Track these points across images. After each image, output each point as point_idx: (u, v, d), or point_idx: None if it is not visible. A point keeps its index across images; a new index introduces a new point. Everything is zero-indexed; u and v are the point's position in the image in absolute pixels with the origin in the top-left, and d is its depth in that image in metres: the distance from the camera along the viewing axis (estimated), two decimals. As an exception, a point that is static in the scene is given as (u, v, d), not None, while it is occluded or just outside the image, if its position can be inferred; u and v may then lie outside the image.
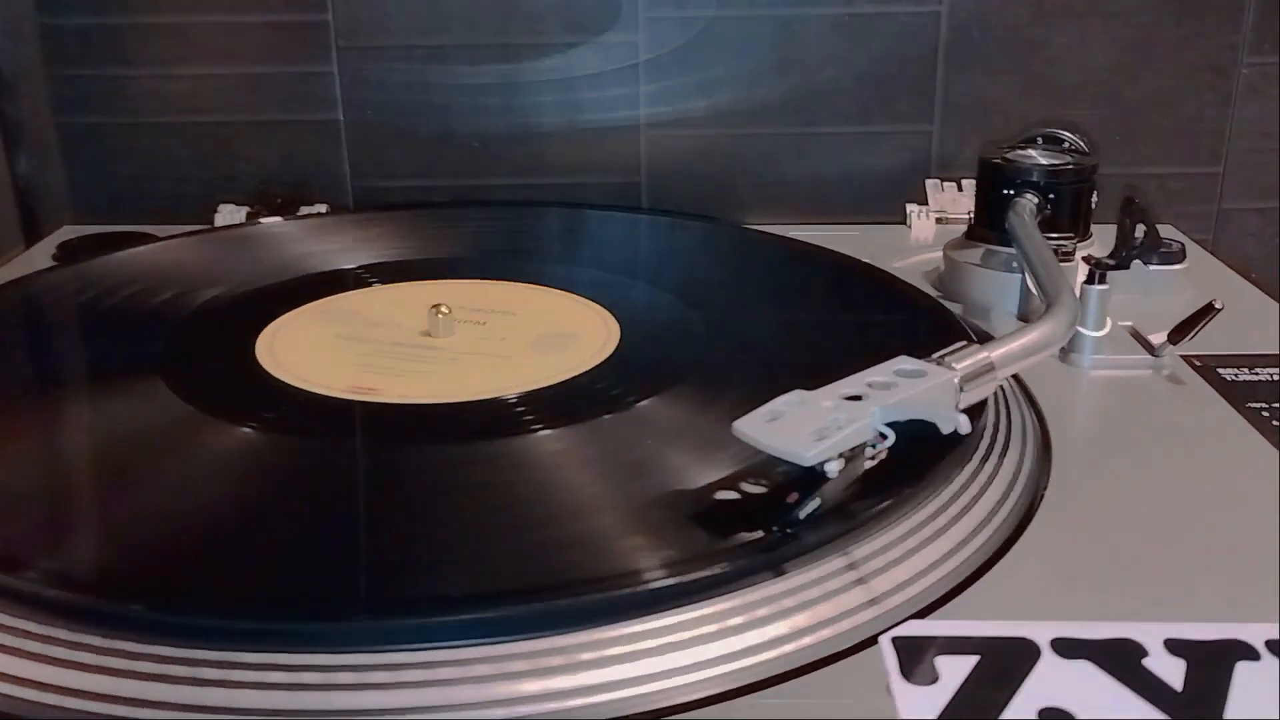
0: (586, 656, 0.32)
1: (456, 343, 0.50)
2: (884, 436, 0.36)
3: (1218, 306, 0.49)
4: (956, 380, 0.38)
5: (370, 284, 0.57)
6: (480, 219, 0.67)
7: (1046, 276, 0.47)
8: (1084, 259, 0.53)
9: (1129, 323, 0.55)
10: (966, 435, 0.36)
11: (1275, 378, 0.51)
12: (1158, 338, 0.53)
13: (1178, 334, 0.51)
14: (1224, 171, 0.75)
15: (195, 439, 0.42)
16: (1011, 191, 0.57)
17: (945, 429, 0.37)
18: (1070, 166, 0.57)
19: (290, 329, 0.51)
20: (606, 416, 0.43)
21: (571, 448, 0.41)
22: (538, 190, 0.75)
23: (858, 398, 0.37)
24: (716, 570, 0.34)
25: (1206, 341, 0.51)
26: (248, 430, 0.42)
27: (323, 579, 0.34)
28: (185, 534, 0.37)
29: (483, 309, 0.53)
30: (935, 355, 0.39)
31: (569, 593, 0.33)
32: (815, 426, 0.35)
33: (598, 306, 0.53)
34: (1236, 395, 0.49)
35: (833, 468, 0.35)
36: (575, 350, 0.48)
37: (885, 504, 0.37)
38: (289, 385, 0.46)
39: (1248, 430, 0.46)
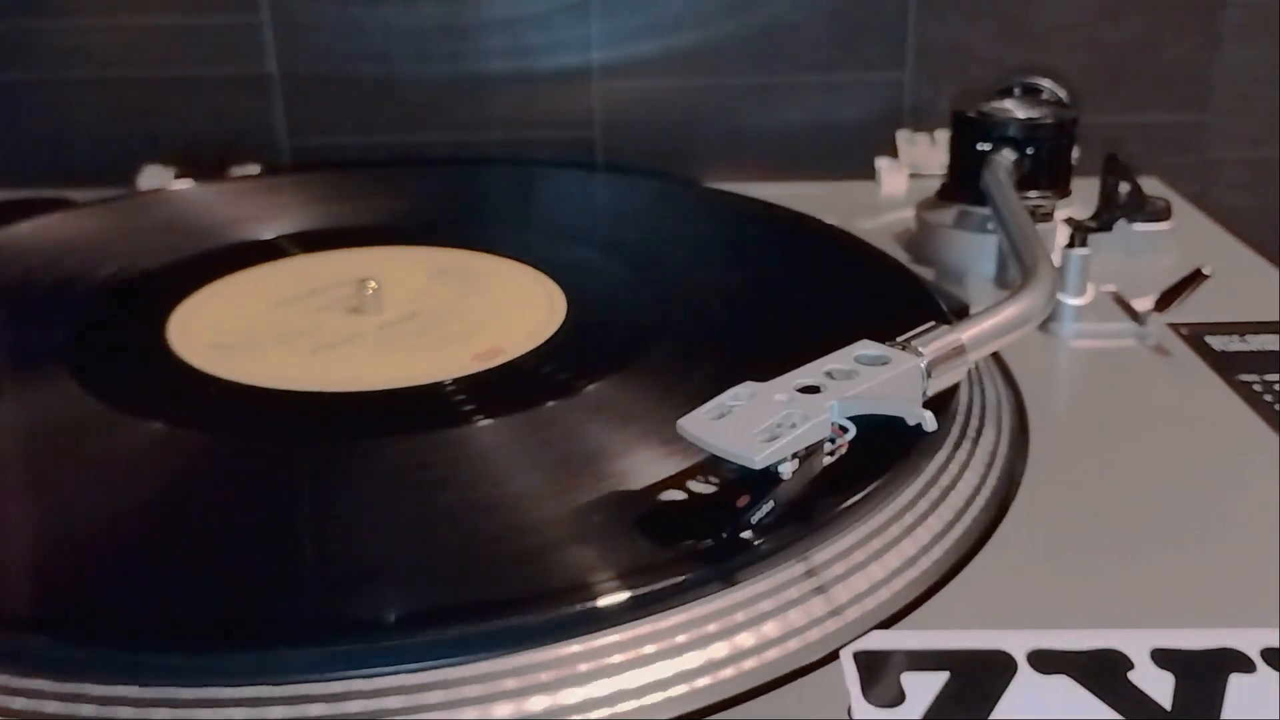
0: (511, 684, 0.29)
1: (388, 320, 0.46)
2: (844, 430, 0.33)
3: (1206, 273, 0.46)
4: (923, 366, 0.35)
5: (295, 254, 0.53)
6: (423, 179, 0.63)
7: (1023, 244, 0.43)
8: (1065, 221, 0.50)
9: (1112, 287, 0.52)
10: (924, 425, 0.32)
11: (1269, 348, 0.47)
12: (1143, 304, 0.50)
13: (1164, 301, 0.47)
14: (1211, 119, 0.72)
15: (100, 437, 0.39)
16: (987, 147, 0.53)
17: (911, 422, 0.33)
18: (1049, 119, 0.53)
19: (209, 306, 0.47)
20: (549, 404, 0.39)
21: (509, 441, 0.38)
22: (486, 146, 0.71)
23: (815, 388, 0.33)
24: (660, 585, 0.30)
25: (1195, 306, 0.48)
26: (156, 426, 0.39)
27: (241, 603, 0.31)
28: (88, 550, 0.33)
29: (420, 280, 0.49)
30: (901, 339, 0.36)
31: (498, 614, 0.30)
32: (766, 424, 0.32)
33: (544, 277, 0.50)
34: (1227, 367, 0.46)
35: (786, 469, 0.31)
36: (518, 328, 0.45)
37: (846, 504, 0.34)
38: (202, 373, 0.42)
39: (1240, 408, 0.43)
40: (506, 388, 0.41)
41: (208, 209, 0.59)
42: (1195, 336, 0.48)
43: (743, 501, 0.32)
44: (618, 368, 0.41)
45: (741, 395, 0.33)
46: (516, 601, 0.30)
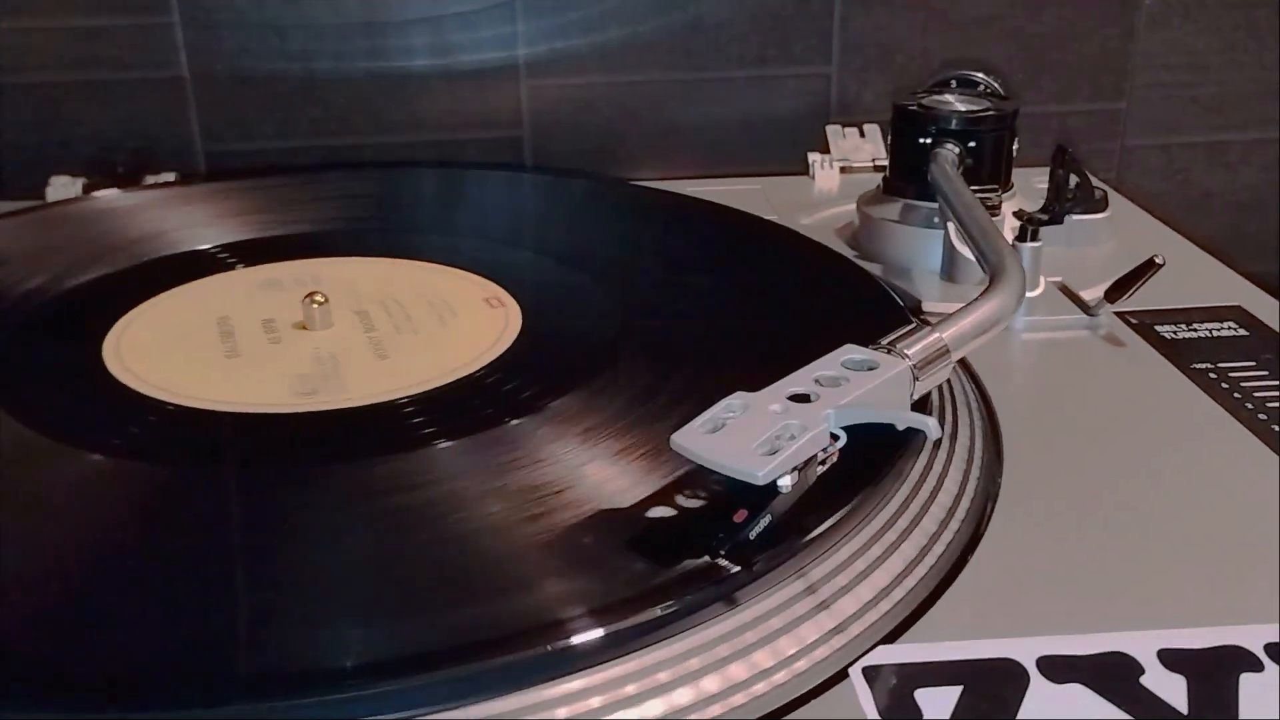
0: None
1: (336, 335, 0.44)
2: (835, 438, 0.32)
3: (1159, 262, 0.46)
4: (909, 368, 0.34)
5: (233, 266, 0.51)
6: (351, 184, 0.61)
7: (985, 239, 0.43)
8: (1015, 214, 0.50)
9: (1057, 278, 0.52)
10: (928, 434, 0.32)
11: (1218, 334, 0.48)
12: (1091, 294, 0.50)
13: (1116, 292, 0.48)
14: (1128, 107, 0.73)
15: (31, 468, 0.36)
16: (929, 141, 0.53)
17: (900, 426, 0.33)
18: (990, 112, 0.53)
19: (145, 325, 0.45)
20: (513, 422, 0.38)
21: (476, 461, 0.36)
22: (412, 148, 0.69)
23: (805, 397, 0.33)
24: (659, 613, 0.29)
25: (1139, 295, 0.48)
26: (97, 458, 0.36)
27: (179, 655, 0.29)
28: (9, 598, 0.31)
29: (363, 292, 0.47)
30: (884, 341, 0.35)
31: (481, 655, 0.28)
32: (764, 436, 0.31)
33: (492, 284, 0.48)
34: (1179, 356, 0.46)
35: (786, 482, 0.31)
36: (472, 339, 0.43)
37: (842, 512, 0.33)
38: (145, 397, 0.40)
39: (1200, 397, 0.43)
40: (467, 405, 0.39)
41: (127, 220, 0.56)
42: (1145, 326, 0.49)
43: (740, 516, 0.31)
44: (584, 379, 0.40)
45: (735, 407, 0.32)
46: (503, 641, 0.28)
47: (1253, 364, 0.46)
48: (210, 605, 0.30)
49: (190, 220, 0.55)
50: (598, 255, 0.51)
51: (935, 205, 0.53)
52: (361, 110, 0.68)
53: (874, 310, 0.46)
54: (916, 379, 0.34)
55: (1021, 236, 0.48)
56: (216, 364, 0.42)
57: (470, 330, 0.44)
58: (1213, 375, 0.45)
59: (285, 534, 0.33)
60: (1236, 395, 0.43)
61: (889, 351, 0.35)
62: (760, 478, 0.30)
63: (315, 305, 0.43)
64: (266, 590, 0.31)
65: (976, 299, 0.38)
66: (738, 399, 0.32)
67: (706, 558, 0.31)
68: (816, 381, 0.33)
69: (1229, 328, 0.49)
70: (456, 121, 0.69)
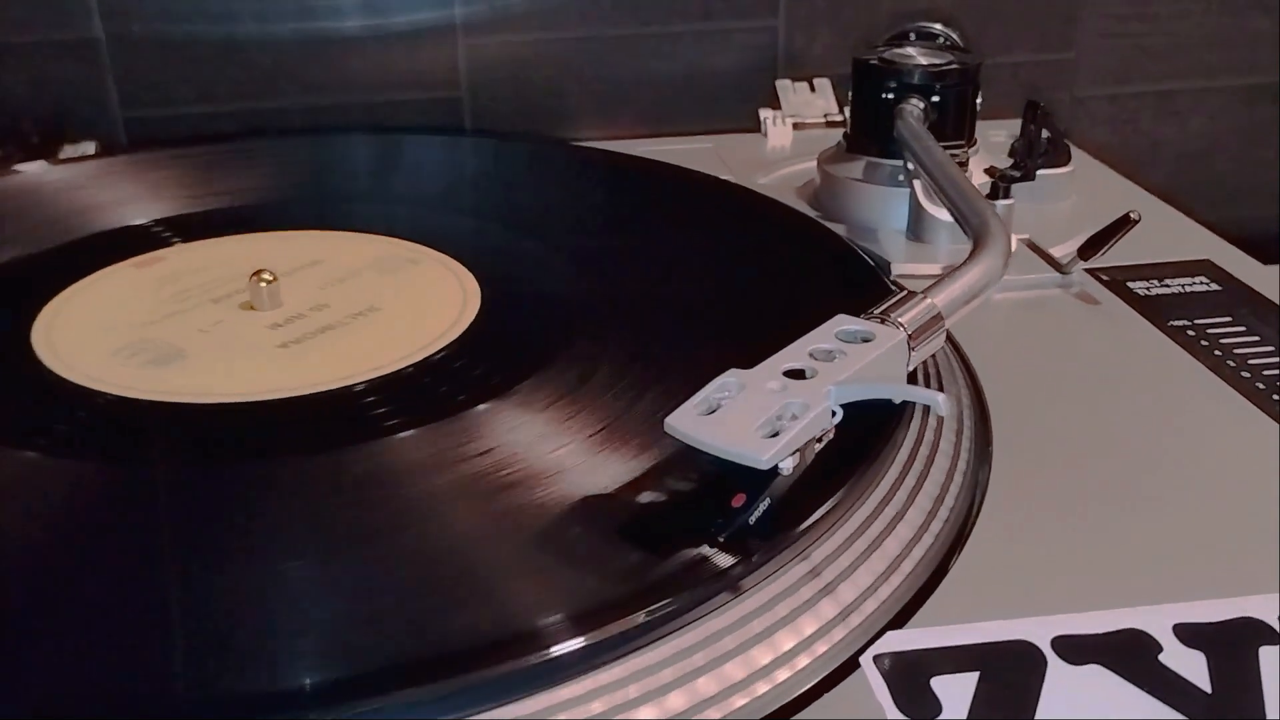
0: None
1: (286, 316, 0.41)
2: (833, 414, 0.31)
3: (1134, 218, 0.45)
4: (905, 338, 0.33)
5: (170, 241, 0.47)
6: (283, 152, 0.58)
7: (964, 201, 0.41)
8: (986, 171, 0.49)
9: (1024, 236, 0.51)
10: (938, 410, 0.30)
11: (1191, 289, 0.47)
12: (1062, 252, 0.49)
13: (1090, 249, 0.46)
14: (1077, 57, 0.72)
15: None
16: (891, 96, 0.52)
17: (897, 400, 0.31)
18: (955, 66, 0.52)
19: (77, 308, 0.42)
20: (481, 407, 0.35)
21: (444, 451, 0.34)
22: (344, 112, 0.66)
23: (801, 372, 0.31)
24: (664, 609, 0.27)
25: (1107, 252, 0.47)
26: (28, 455, 0.34)
27: (117, 676, 0.26)
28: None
29: (312, 268, 0.45)
30: (876, 311, 0.34)
31: (476, 665, 0.26)
32: (764, 416, 0.29)
33: (446, 257, 0.46)
34: (1156, 313, 0.45)
35: (788, 464, 0.29)
36: (431, 318, 0.41)
37: (843, 490, 0.31)
38: (83, 389, 0.37)
39: (1183, 357, 0.42)
40: (431, 389, 0.37)
41: (48, 195, 0.52)
42: (1117, 283, 0.48)
43: (738, 501, 0.30)
44: (552, 357, 0.38)
45: (730, 386, 0.30)
46: (495, 647, 0.26)
47: (1229, 319, 0.45)
48: (148, 621, 0.27)
49: (116, 194, 0.52)
50: (553, 223, 0.49)
51: (900, 163, 0.51)
52: (288, 73, 0.64)
53: (846, 273, 0.45)
54: (912, 349, 0.33)
55: (993, 194, 0.47)
56: (157, 349, 0.39)
57: (428, 307, 0.42)
58: (1191, 333, 0.44)
59: (233, 538, 0.30)
60: (1217, 353, 0.42)
61: (882, 321, 0.33)
62: (764, 462, 0.28)
63: (263, 284, 0.41)
64: (214, 602, 0.28)
65: (963, 263, 0.37)
66: (732, 377, 0.30)
67: (706, 546, 0.29)
68: (811, 355, 0.32)
69: (1201, 282, 0.48)
70: (390, 83, 0.66)
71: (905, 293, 0.34)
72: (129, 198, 0.52)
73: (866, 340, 0.32)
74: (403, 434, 0.34)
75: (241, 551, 0.30)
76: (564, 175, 0.55)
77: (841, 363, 0.31)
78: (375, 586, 0.28)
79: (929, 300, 0.34)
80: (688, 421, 0.29)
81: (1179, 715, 0.27)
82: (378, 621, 0.27)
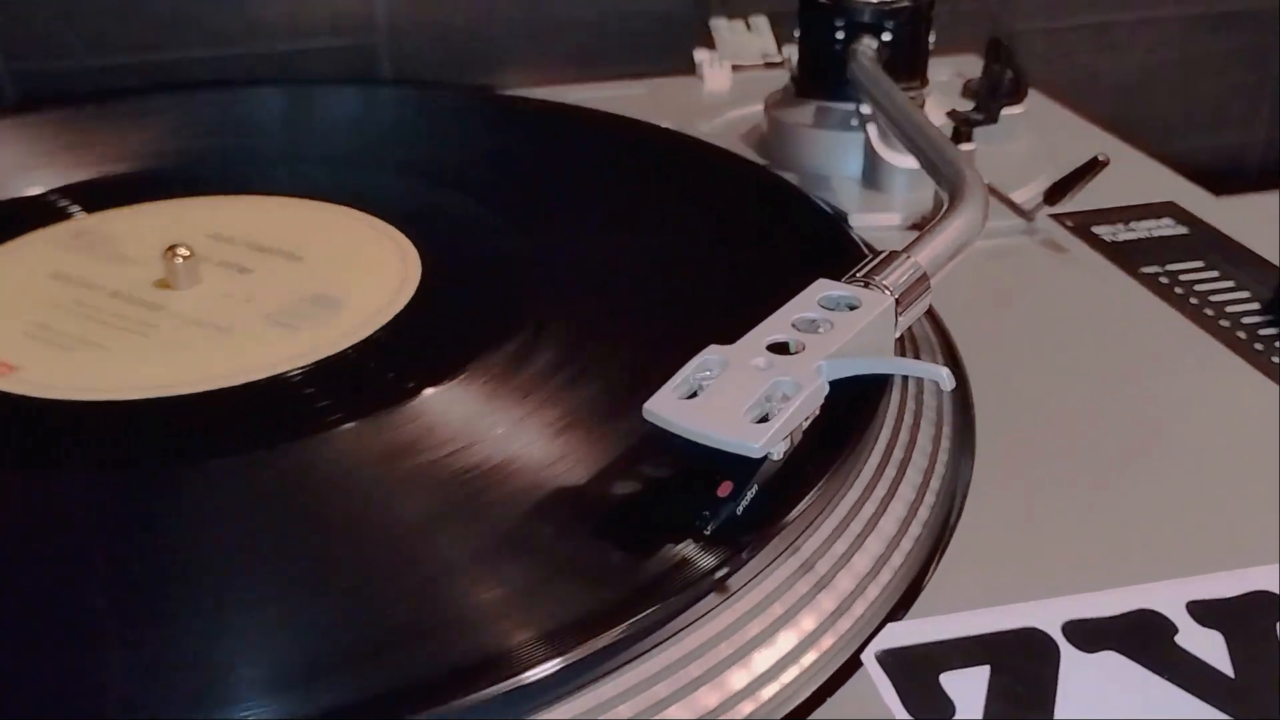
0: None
1: (206, 295, 0.38)
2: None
3: (1102, 160, 0.43)
4: (893, 303, 0.30)
5: (69, 214, 0.43)
6: (189, 108, 0.53)
7: (933, 149, 0.39)
8: (949, 114, 0.46)
9: (984, 180, 0.49)
10: (942, 385, 0.28)
11: (1157, 233, 0.46)
12: (1024, 197, 0.47)
13: (1056, 193, 0.45)
14: (1014, -10, 0.70)
15: None
16: (841, 36, 0.49)
17: (896, 374, 0.29)
18: (907, 3, 0.49)
19: (-37, 293, 0.38)
20: (430, 391, 0.32)
21: (393, 445, 0.31)
22: (251, 62, 0.61)
23: (785, 345, 0.28)
24: (658, 612, 0.25)
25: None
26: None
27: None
28: None
29: (231, 239, 0.41)
30: (858, 274, 0.31)
31: (441, 697, 0.23)
32: (751, 398, 0.26)
33: (378, 221, 0.42)
34: (1126, 260, 0.44)
35: (779, 449, 0.27)
36: (370, 291, 0.37)
37: (831, 471, 0.29)
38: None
39: (1160, 307, 0.41)
40: (375, 375, 0.34)
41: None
42: (1082, 228, 0.46)
43: (725, 489, 0.27)
44: (507, 331, 0.35)
45: (712, 365, 0.28)
46: (474, 673, 0.24)
47: (1201, 264, 0.43)
48: (71, 647, 0.24)
49: (8, 161, 0.47)
50: (488, 181, 0.46)
51: (852, 107, 0.49)
52: (191, 21, 0.60)
53: (807, 226, 0.42)
54: (899, 314, 0.31)
55: (955, 138, 0.45)
56: (59, 337, 0.35)
57: (364, 278, 0.38)
58: (1164, 280, 0.42)
59: (152, 554, 0.27)
60: (1194, 301, 0.41)
61: (866, 285, 0.31)
62: (758, 450, 0.25)
63: (179, 260, 0.37)
64: (140, 626, 0.25)
65: (942, 217, 0.34)
66: (713, 354, 0.28)
67: (693, 542, 0.27)
68: (795, 326, 0.29)
69: (1167, 225, 0.46)
70: (302, 30, 0.61)
71: (886, 253, 0.32)
72: (18, 164, 0.47)
73: (852, 307, 0.30)
74: (346, 426, 0.31)
75: (161, 569, 0.27)
76: (496, 127, 0.51)
77: (829, 334, 0.29)
78: (317, 608, 0.25)
79: (913, 259, 0.32)
80: (668, 406, 0.27)
81: (1204, 704, 0.26)
82: (324, 648, 0.24)
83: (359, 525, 0.28)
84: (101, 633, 0.25)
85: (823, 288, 0.30)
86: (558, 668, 0.23)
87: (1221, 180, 0.52)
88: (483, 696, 0.23)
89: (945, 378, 0.27)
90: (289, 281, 0.38)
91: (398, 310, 0.36)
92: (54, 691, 0.23)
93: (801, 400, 0.26)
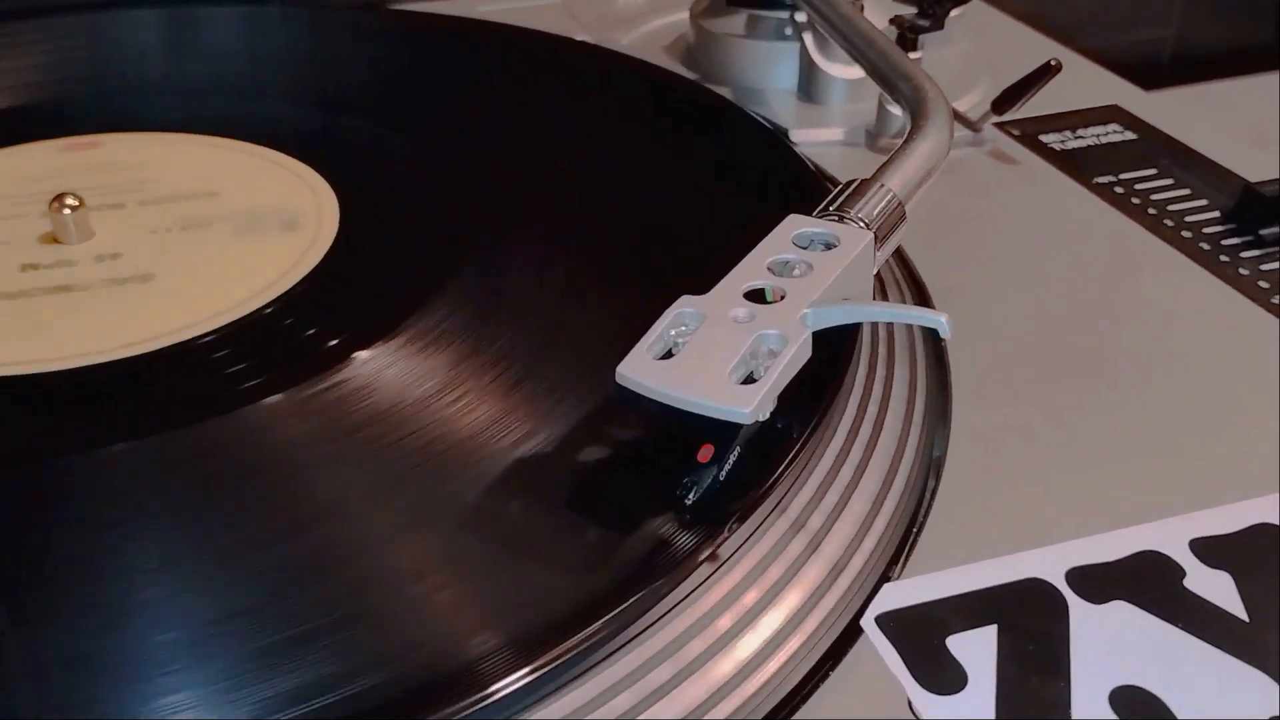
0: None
1: (101, 249, 0.34)
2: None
3: (1054, 65, 0.41)
4: (871, 238, 0.28)
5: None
6: (56, 34, 0.48)
7: (887, 63, 0.36)
8: (892, 21, 0.44)
9: (931, 90, 0.46)
10: (941, 332, 0.26)
11: (1106, 139, 0.44)
12: (968, 105, 0.45)
13: (1005, 103, 0.42)
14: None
15: None
16: (770, -63, 0.46)
17: (889, 322, 0.27)
18: (838, -101, 0.46)
19: None
20: (362, 354, 0.29)
21: (323, 415, 0.27)
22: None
23: (761, 293, 0.26)
24: (647, 595, 0.23)
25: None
26: None
27: None
28: None
29: (120, 187, 0.37)
30: (831, 207, 0.29)
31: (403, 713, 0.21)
32: (735, 355, 0.24)
33: (284, 157, 0.38)
34: (1079, 169, 0.42)
35: (767, 409, 0.24)
36: (287, 238, 0.34)
37: (812, 424, 0.27)
38: None
39: (1119, 219, 0.39)
40: (296, 334, 0.31)
41: None
42: (1029, 137, 0.44)
43: (705, 454, 0.25)
44: (442, 278, 0.32)
45: (687, 318, 0.25)
46: (440, 687, 0.21)
47: (1154, 171, 0.42)
48: None
49: None
50: (397, 108, 0.42)
51: (785, 15, 0.46)
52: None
53: (748, 146, 0.39)
54: (877, 249, 0.28)
55: (901, 46, 0.42)
56: (-62, 308, 0.31)
57: (285, 228, 0.35)
58: (1119, 190, 0.41)
59: (63, 549, 0.24)
60: (1152, 211, 0.39)
61: (841, 219, 0.28)
62: (748, 415, 0.23)
63: (67, 211, 0.33)
64: (54, 636, 0.22)
65: (909, 139, 0.32)
66: (687, 306, 0.25)
67: (675, 513, 0.24)
68: (770, 270, 0.27)
69: (1114, 130, 0.45)
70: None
71: (857, 182, 0.30)
72: None
73: (830, 246, 0.27)
74: (270, 399, 0.28)
75: (58, 569, 0.24)
76: (400, 48, 0.47)
77: (809, 278, 0.26)
78: (250, 611, 0.22)
79: (886, 187, 0.29)
80: (643, 368, 0.24)
81: (1225, 654, 0.24)
82: (264, 656, 0.22)
83: (296, 512, 0.25)
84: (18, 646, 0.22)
85: (796, 224, 0.28)
86: (555, 667, 0.21)
87: (1139, 75, 0.50)
88: (460, 708, 0.20)
89: (944, 325, 0.25)
90: (192, 231, 0.34)
91: (318, 259, 0.33)
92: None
93: (790, 356, 0.24)
